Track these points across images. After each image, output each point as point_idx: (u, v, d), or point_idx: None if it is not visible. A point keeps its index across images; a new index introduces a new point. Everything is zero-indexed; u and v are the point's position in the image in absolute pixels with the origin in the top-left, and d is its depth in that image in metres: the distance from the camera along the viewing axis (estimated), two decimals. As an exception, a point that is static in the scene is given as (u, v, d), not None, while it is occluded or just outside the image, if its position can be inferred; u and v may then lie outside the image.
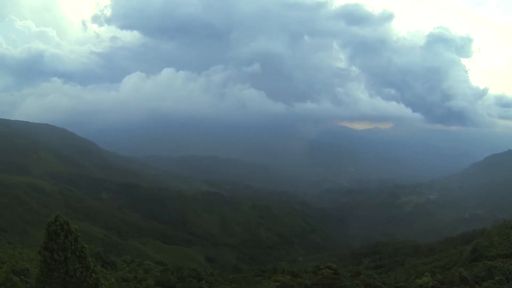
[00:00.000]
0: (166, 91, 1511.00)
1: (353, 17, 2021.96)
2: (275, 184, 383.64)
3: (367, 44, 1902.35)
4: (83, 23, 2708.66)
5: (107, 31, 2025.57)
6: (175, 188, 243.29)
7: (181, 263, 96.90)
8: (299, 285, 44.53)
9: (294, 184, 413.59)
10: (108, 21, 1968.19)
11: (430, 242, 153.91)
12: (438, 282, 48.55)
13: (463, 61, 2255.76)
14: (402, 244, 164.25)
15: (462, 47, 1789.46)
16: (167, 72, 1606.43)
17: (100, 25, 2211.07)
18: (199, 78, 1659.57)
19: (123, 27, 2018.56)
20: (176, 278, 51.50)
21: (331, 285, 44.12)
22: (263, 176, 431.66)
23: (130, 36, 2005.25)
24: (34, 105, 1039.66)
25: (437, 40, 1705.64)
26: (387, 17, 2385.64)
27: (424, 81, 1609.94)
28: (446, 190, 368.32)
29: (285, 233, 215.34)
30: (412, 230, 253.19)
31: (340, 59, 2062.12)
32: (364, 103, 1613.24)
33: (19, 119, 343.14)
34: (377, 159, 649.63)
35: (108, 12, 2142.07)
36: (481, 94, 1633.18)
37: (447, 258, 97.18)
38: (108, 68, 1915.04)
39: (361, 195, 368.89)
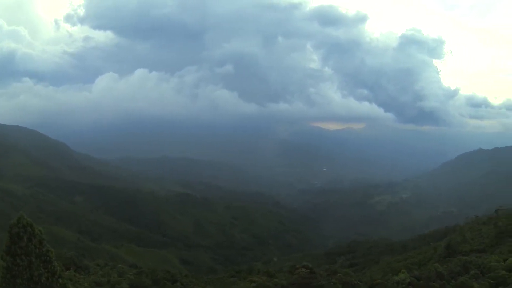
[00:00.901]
0: (139, 92, 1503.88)
1: (327, 18, 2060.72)
2: (248, 185, 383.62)
3: (341, 45, 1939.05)
4: (56, 22, 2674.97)
5: (80, 31, 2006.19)
6: (149, 190, 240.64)
7: (155, 265, 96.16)
8: (275, 285, 43.86)
9: (268, 185, 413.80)
10: (81, 20, 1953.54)
11: (404, 240, 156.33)
12: (415, 278, 48.66)
13: (435, 62, 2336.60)
14: (376, 243, 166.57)
15: (434, 48, 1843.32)
16: (140, 72, 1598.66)
17: (73, 24, 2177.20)
18: (172, 79, 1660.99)
19: (97, 27, 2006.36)
20: (151, 281, 51.00)
21: (308, 285, 43.55)
22: (236, 177, 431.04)
23: (104, 36, 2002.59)
24: (4, 106, 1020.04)
25: (410, 42, 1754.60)
26: (361, 19, 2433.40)
27: (396, 82, 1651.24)
28: (419, 189, 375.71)
29: (260, 234, 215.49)
30: (386, 229, 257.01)
31: (313, 60, 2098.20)
32: (337, 104, 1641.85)
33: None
34: (350, 159, 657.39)
35: (81, 12, 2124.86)
36: (452, 94, 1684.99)
37: (421, 255, 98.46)
38: (81, 68, 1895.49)
39: (335, 195, 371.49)
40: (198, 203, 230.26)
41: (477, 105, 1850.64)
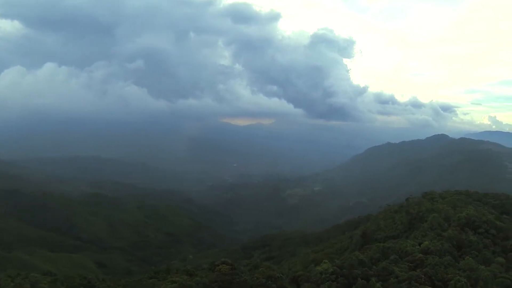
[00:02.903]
0: (48, 88, 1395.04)
1: (241, 15, 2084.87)
2: (160, 182, 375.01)
3: (252, 42, 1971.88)
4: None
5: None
6: (59, 192, 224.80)
7: (71, 271, 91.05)
8: (197, 284, 41.67)
9: (179, 182, 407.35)
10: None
11: (318, 231, 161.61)
12: (337, 267, 48.83)
13: (346, 61, 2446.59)
14: (291, 235, 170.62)
15: (345, 48, 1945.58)
16: (48, 67, 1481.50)
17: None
18: (82, 74, 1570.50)
19: (3, 15, 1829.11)
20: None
21: (230, 281, 41.90)
22: (147, 175, 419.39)
23: (10, 26, 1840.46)
24: None
25: (321, 41, 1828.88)
26: (274, 17, 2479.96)
27: (306, 78, 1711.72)
28: (330, 181, 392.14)
29: (174, 231, 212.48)
30: (299, 221, 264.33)
31: (224, 56, 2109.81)
32: (246, 100, 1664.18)
33: None
34: (261, 154, 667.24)
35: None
36: (361, 91, 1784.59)
37: (338, 244, 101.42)
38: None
39: (246, 190, 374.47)
40: (110, 204, 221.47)
41: (385, 102, 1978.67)
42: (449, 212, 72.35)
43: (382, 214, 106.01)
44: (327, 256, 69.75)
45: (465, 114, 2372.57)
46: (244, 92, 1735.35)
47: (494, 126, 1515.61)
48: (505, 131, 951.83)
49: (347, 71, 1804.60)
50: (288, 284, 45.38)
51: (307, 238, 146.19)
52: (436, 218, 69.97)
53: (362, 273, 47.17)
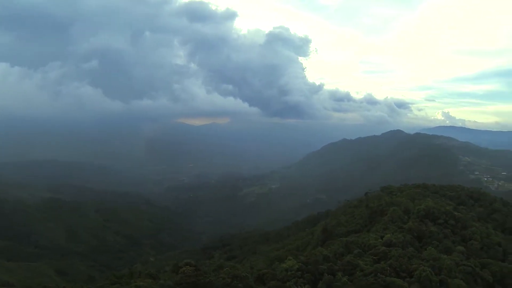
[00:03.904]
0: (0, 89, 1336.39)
1: (197, 14, 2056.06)
2: (118, 185, 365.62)
3: (208, 41, 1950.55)
4: None
5: None
6: (15, 198, 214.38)
7: (30, 281, 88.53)
8: (162, 287, 40.31)
9: (137, 184, 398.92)
10: None
11: (278, 229, 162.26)
12: (302, 263, 48.80)
13: (301, 59, 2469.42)
14: (251, 234, 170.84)
15: (300, 46, 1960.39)
16: (1, 67, 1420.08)
17: None
18: (35, 75, 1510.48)
19: None
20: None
21: (195, 283, 40.95)
22: (105, 177, 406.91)
23: None
24: None
25: (277, 39, 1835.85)
26: (230, 16, 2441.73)
27: (262, 77, 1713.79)
28: (287, 179, 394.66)
29: (134, 234, 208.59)
30: (258, 219, 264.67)
31: (179, 56, 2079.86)
32: (202, 99, 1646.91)
33: None
34: (217, 154, 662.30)
35: None
36: (317, 89, 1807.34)
37: (299, 241, 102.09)
38: None
39: (204, 190, 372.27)
40: (68, 208, 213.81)
41: (340, 99, 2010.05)
42: (408, 205, 74.24)
43: (342, 209, 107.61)
44: (290, 253, 69.75)
45: (419, 110, 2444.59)
46: (199, 92, 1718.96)
47: (447, 121, 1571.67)
48: (458, 125, 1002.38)
49: (303, 69, 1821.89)
50: (253, 283, 44.82)
51: (267, 236, 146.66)
52: (396, 211, 71.58)
53: (328, 268, 47.41)
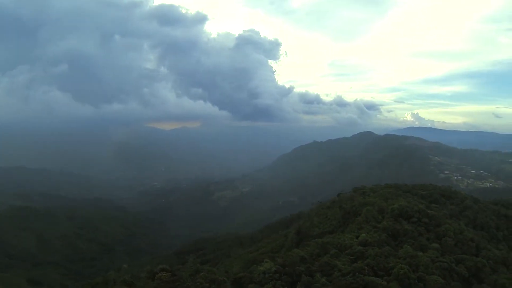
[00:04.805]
0: None
1: (167, 18, 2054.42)
2: (89, 191, 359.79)
3: (178, 45, 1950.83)
4: None
5: None
6: None
7: None
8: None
9: (109, 190, 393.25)
10: None
11: (251, 232, 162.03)
12: (280, 265, 48.41)
13: (271, 62, 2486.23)
14: (224, 237, 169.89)
15: (270, 50, 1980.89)
16: None
17: None
18: (3, 79, 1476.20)
19: None
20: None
21: (171, 288, 39.80)
22: (76, 184, 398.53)
23: None
24: None
25: (246, 43, 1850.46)
26: (200, 19, 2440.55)
27: (231, 80, 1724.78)
28: (259, 182, 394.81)
29: (106, 241, 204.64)
30: (231, 223, 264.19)
31: (149, 59, 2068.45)
32: (172, 103, 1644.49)
33: None
34: (188, 158, 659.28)
35: None
36: (287, 92, 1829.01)
37: (273, 243, 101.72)
38: None
39: (176, 195, 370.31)
40: (39, 216, 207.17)
41: (310, 102, 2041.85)
42: (382, 205, 74.81)
43: (315, 210, 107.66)
44: (265, 255, 69.18)
45: (389, 111, 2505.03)
46: (169, 96, 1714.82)
47: (417, 122, 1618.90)
48: (427, 126, 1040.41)
49: (273, 72, 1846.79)
50: (231, 287, 44.17)
51: (241, 239, 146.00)
52: (370, 211, 72.13)
53: (306, 270, 47.21)
